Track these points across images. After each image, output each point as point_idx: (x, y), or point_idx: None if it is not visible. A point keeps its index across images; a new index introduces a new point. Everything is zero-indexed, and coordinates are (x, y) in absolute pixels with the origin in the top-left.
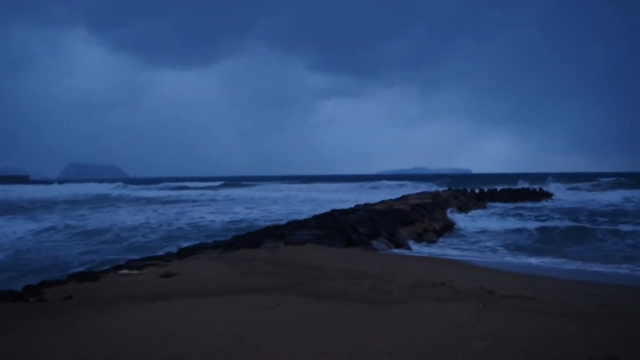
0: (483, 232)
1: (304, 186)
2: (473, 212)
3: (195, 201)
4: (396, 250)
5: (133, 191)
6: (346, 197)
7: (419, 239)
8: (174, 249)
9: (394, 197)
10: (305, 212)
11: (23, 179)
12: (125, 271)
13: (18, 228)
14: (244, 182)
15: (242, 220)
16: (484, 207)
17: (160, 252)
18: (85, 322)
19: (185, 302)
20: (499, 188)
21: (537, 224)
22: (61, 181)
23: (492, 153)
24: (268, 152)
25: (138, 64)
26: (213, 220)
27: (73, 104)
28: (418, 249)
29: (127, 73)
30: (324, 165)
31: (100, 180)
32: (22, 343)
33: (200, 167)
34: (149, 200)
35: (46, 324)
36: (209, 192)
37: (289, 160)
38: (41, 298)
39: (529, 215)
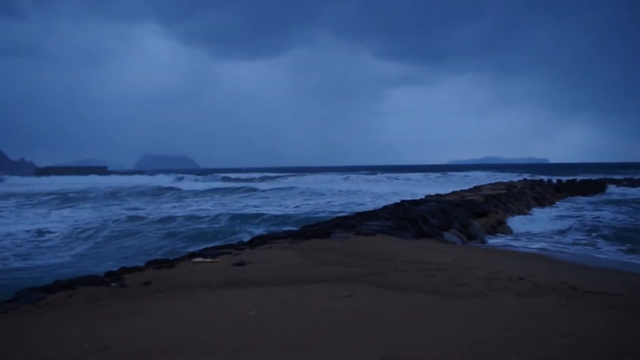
0: (561, 224)
1: (371, 177)
2: (551, 204)
3: (254, 190)
4: (469, 243)
5: (196, 182)
6: (411, 190)
7: (492, 231)
8: (238, 237)
9: (465, 187)
10: (367, 203)
11: (101, 170)
12: (199, 259)
13: (87, 216)
14: (308, 173)
15: (298, 212)
16: (562, 198)
17: (223, 241)
18: (163, 307)
19: (258, 290)
20: (579, 178)
21: (622, 217)
22: (136, 172)
23: (571, 142)
24: (334, 142)
25: (207, 56)
26: (267, 210)
27: (146, 97)
28: (492, 241)
29: (197, 65)
30: (390, 155)
31: (169, 172)
32: (108, 324)
33: (267, 157)
34: (213, 191)
35: (128, 308)
36: (265, 183)
37: (354, 151)
38: (122, 283)
39: (612, 209)
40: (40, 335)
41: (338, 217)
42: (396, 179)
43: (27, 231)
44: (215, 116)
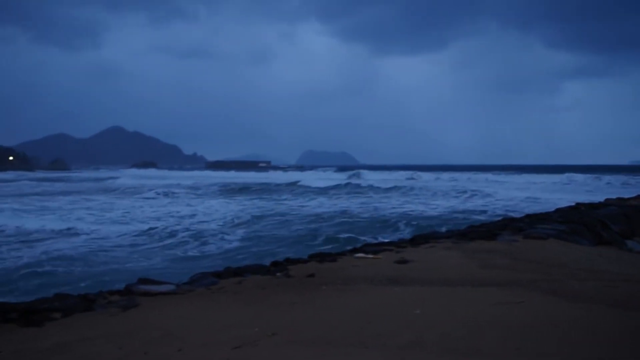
0: None
1: (537, 177)
2: None
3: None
4: None
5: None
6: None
7: None
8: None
9: None
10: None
11: (265, 165)
12: (361, 254)
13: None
14: (471, 172)
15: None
16: None
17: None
18: (327, 300)
19: (422, 289)
20: None
21: None
22: (297, 167)
23: None
24: (500, 139)
25: (368, 52)
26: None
27: (308, 94)
28: None
29: (357, 61)
30: (564, 153)
31: (326, 168)
32: (275, 312)
33: (428, 155)
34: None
35: (293, 297)
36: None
37: (524, 148)
38: (287, 274)
39: None
40: (213, 318)
41: (505, 219)
42: (567, 183)
43: (187, 214)
44: (375, 113)
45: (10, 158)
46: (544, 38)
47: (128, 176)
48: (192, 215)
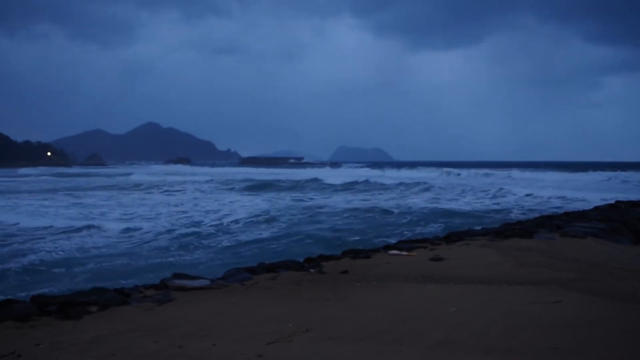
0: None
1: (573, 174)
2: None
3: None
4: None
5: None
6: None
7: None
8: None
9: None
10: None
11: (298, 161)
12: (395, 251)
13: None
14: (505, 169)
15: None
16: None
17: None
18: (361, 296)
19: (457, 287)
20: None
21: None
22: (331, 163)
23: None
24: (536, 135)
25: (401, 47)
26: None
27: (341, 90)
28: None
29: (391, 56)
30: (602, 150)
31: (360, 164)
32: (309, 308)
33: (462, 151)
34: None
35: (327, 294)
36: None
37: (560, 145)
38: (320, 270)
39: None
40: (247, 313)
41: (542, 216)
42: (605, 180)
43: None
44: (410, 108)
45: (49, 154)
46: (583, 32)
47: (141, 173)
48: (217, 211)
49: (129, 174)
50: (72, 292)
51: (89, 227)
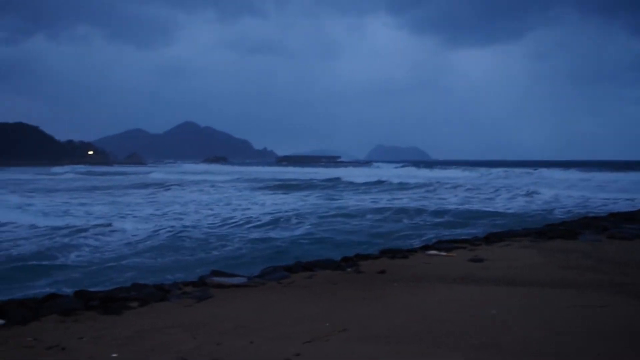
0: None
1: (618, 174)
2: None
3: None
4: None
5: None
6: None
7: None
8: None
9: None
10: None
11: (332, 160)
12: (433, 252)
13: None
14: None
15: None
16: None
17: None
18: (399, 296)
19: (498, 288)
20: None
21: None
22: (367, 162)
23: None
24: (581, 133)
25: (438, 44)
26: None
27: (377, 88)
28: None
29: (428, 54)
30: None
31: (400, 162)
32: (345, 307)
33: (502, 149)
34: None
35: (364, 293)
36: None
37: (604, 143)
38: (357, 269)
39: None
40: (284, 311)
41: (587, 217)
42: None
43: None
44: (448, 106)
45: (90, 152)
46: (629, 26)
47: (161, 172)
48: (244, 209)
49: (152, 174)
50: (113, 288)
51: (105, 225)
